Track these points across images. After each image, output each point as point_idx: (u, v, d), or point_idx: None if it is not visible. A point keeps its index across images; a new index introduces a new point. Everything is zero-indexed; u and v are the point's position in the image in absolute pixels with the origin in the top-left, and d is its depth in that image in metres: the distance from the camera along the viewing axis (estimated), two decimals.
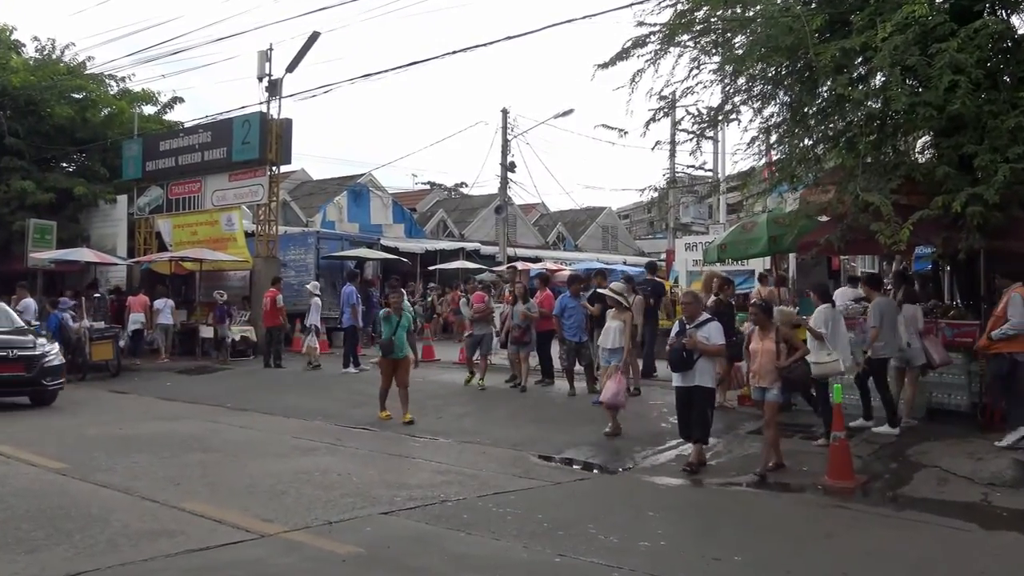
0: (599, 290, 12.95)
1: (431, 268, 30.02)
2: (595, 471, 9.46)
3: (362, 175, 36.51)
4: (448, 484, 8.45)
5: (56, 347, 14.27)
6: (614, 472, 9.36)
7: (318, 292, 19.06)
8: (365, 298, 21.82)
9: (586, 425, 11.25)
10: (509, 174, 31.85)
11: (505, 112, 31.44)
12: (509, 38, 17.24)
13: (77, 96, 26.38)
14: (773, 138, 12.08)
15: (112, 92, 27.59)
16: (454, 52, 19.36)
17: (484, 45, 18.17)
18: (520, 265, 28.93)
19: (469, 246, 33.87)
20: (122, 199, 25.04)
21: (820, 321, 9.84)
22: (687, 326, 9.08)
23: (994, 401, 10.16)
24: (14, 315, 15.20)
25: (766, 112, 11.89)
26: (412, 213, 38.61)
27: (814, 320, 9.95)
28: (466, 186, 56.08)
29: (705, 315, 9.31)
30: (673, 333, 9.22)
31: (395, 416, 12.04)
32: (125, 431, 11.46)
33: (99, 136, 25.72)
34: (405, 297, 13.54)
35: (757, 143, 12.15)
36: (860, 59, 10.28)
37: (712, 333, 8.99)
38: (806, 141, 11.41)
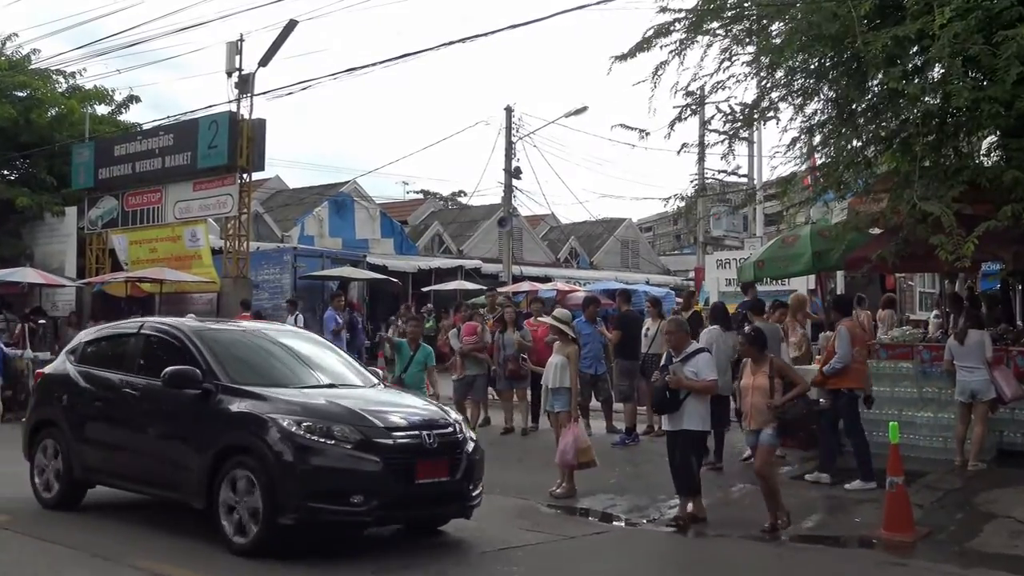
0: (544, 318, 11.99)
1: (425, 289, 30.06)
2: (615, 523, 9.44)
3: (346, 183, 36.60)
4: (443, 538, 8.41)
5: None
6: (636, 524, 9.33)
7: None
8: (349, 325, 21.89)
9: (604, 470, 11.21)
10: (514, 181, 31.91)
11: (509, 110, 31.56)
12: (513, 27, 17.32)
13: (20, 94, 26.50)
14: (817, 139, 12.11)
15: (60, 90, 27.77)
16: (451, 43, 19.46)
17: (485, 35, 18.38)
18: (527, 285, 28.99)
19: (468, 264, 33.92)
20: (71, 211, 25.12)
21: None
22: (673, 359, 9.02)
23: None
24: None
25: (808, 110, 11.93)
26: (403, 226, 38.70)
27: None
28: (465, 195, 56.26)
29: (694, 346, 9.24)
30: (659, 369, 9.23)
31: None
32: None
33: (45, 140, 25.85)
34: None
35: (798, 145, 12.18)
36: (915, 49, 10.32)
37: (701, 367, 8.89)
38: (854, 142, 11.43)
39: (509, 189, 32.02)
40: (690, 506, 9.10)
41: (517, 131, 31.61)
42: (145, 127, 26.35)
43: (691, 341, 9.32)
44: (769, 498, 8.76)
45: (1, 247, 23.96)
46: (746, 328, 10.09)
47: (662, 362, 9.37)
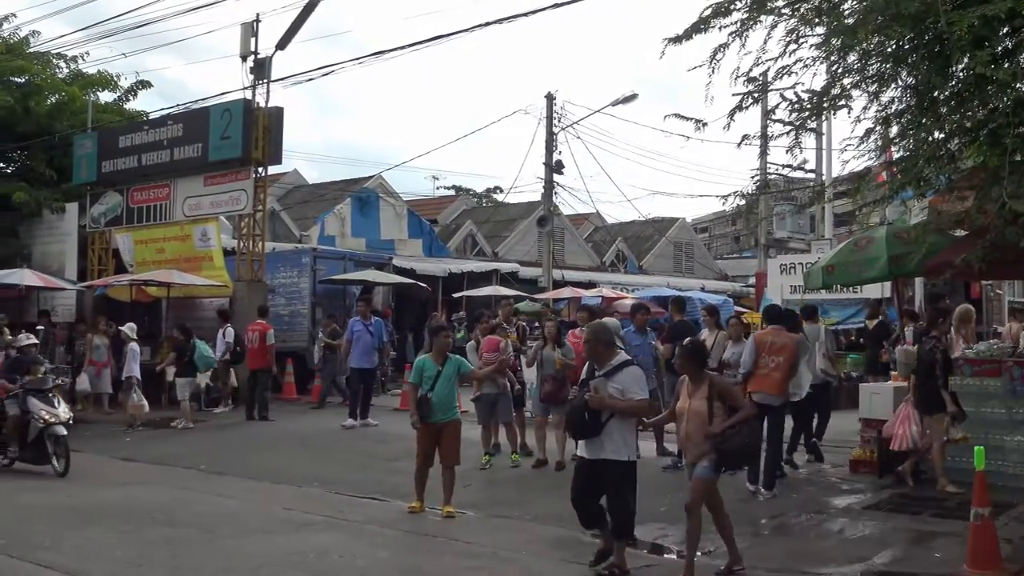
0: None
1: (456, 295, 30.14)
2: (665, 555, 9.42)
3: (370, 178, 36.84)
4: (477, 571, 8.46)
5: None
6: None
7: (135, 336, 19.50)
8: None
9: (653, 496, 11.19)
10: (555, 176, 31.96)
11: (551, 98, 31.61)
12: (556, 5, 17.30)
13: (18, 80, 26.96)
14: (894, 130, 12.00)
15: (61, 75, 28.23)
16: (487, 24, 19.51)
17: (525, 15, 18.33)
18: (569, 292, 28.99)
19: (504, 267, 33.97)
20: (72, 208, 25.47)
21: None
22: (596, 373, 8.41)
23: None
24: None
25: (885, 98, 11.80)
26: (432, 226, 38.84)
27: None
28: (500, 192, 56.70)
29: (620, 358, 8.45)
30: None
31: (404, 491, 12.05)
32: (74, 500, 11.61)
33: (44, 130, 26.24)
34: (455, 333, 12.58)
35: (873, 137, 12.06)
36: (1006, 29, 10.22)
37: (628, 384, 8.21)
38: (936, 134, 11.31)
39: (549, 185, 32.06)
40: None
41: (559, 121, 31.70)
42: (152, 116, 26.62)
43: (617, 352, 8.55)
44: (693, 536, 8.16)
45: None
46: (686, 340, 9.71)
47: (582, 376, 8.70)
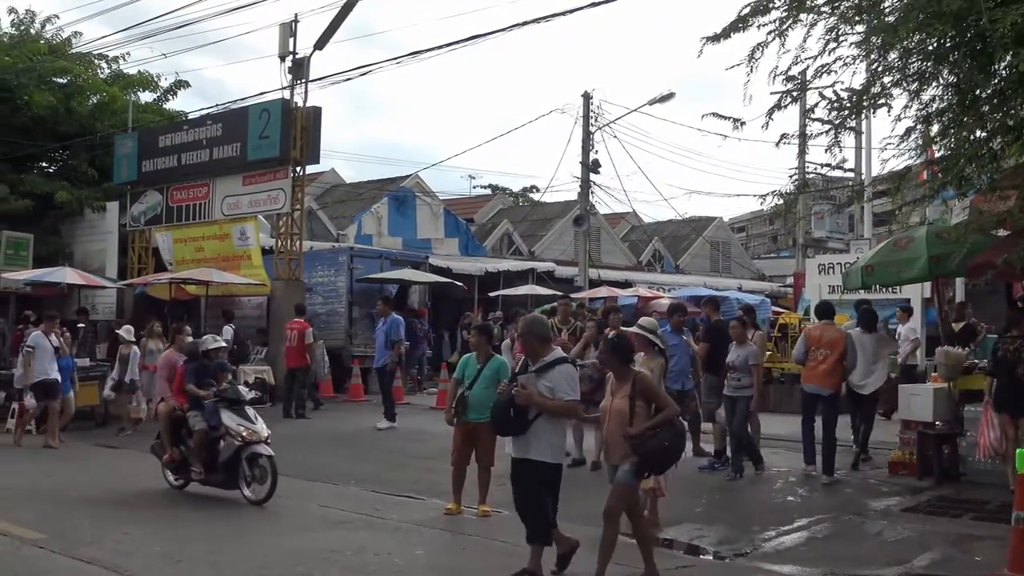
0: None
1: (492, 294, 30.17)
2: (702, 556, 9.39)
3: (407, 177, 36.97)
4: (513, 570, 8.45)
5: None
6: (725, 558, 9.26)
7: (132, 338, 18.15)
8: (410, 332, 22.07)
9: (691, 497, 11.17)
10: (592, 176, 31.93)
11: (587, 97, 31.59)
12: (594, 4, 17.28)
13: (60, 81, 27.28)
14: (935, 129, 11.90)
15: (102, 76, 28.53)
16: (524, 23, 19.50)
17: (562, 14, 18.30)
18: (605, 291, 28.94)
19: (540, 266, 33.97)
20: (112, 207, 25.74)
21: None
22: (529, 368, 8.08)
23: None
24: None
25: (925, 96, 11.70)
26: (469, 225, 38.94)
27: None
28: (537, 191, 56.77)
29: (555, 354, 8.08)
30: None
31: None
32: (114, 495, 11.74)
33: (86, 130, 26.55)
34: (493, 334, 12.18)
35: (913, 136, 11.97)
36: None
37: (558, 382, 7.84)
38: (978, 133, 11.20)
39: (586, 184, 32.03)
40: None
41: (596, 120, 31.67)
42: (192, 116, 26.87)
43: (552, 348, 8.15)
44: (603, 551, 7.80)
45: (38, 245, 24.56)
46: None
47: (516, 369, 8.47)
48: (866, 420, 13.65)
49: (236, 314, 22.85)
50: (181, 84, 28.84)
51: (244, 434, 11.17)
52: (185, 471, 11.83)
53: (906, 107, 11.94)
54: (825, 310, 13.70)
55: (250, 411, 11.63)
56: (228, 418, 11.35)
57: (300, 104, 22.33)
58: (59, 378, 16.04)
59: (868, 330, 13.60)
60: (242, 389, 12.24)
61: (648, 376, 8.22)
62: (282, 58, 22.44)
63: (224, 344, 13.39)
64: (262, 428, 11.43)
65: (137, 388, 17.77)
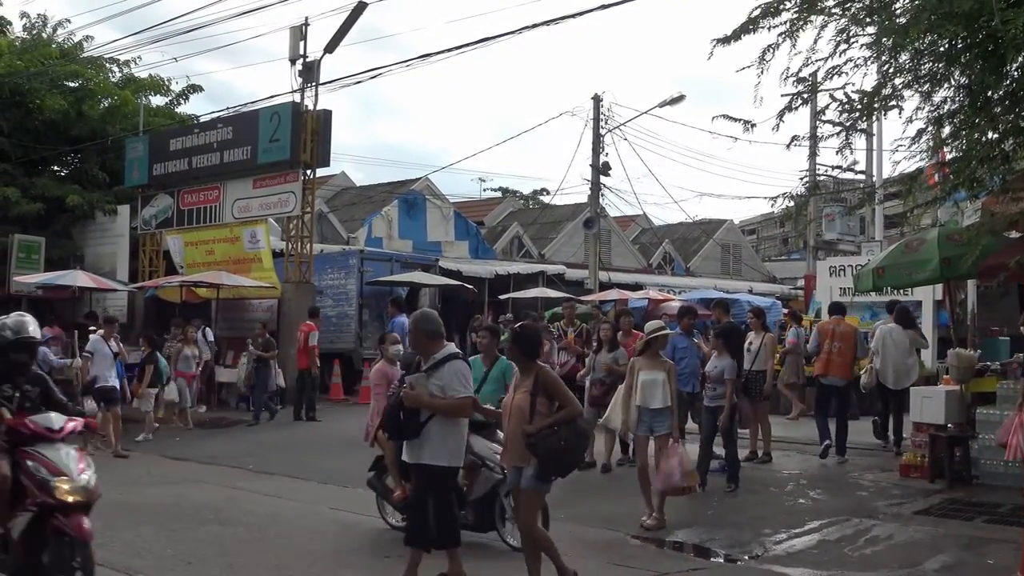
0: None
1: (502, 297, 30.19)
2: (712, 559, 9.37)
3: (417, 180, 37.07)
4: (522, 572, 8.44)
5: None
6: (736, 560, 9.25)
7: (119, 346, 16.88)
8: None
9: (701, 499, 11.17)
10: (602, 178, 31.91)
11: (597, 99, 31.58)
12: (604, 7, 17.30)
13: (72, 84, 27.42)
14: (946, 131, 11.87)
15: (113, 79, 28.65)
16: (534, 26, 19.51)
17: (572, 16, 18.30)
18: (616, 293, 28.92)
19: (551, 269, 33.97)
20: (123, 210, 25.85)
21: None
22: (422, 368, 7.57)
23: None
24: None
25: (937, 97, 11.68)
26: (479, 228, 38.97)
27: None
28: (547, 194, 56.74)
29: (447, 351, 7.53)
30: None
31: None
32: (125, 497, 11.75)
33: (97, 133, 26.65)
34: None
35: (925, 137, 11.95)
36: None
37: (449, 380, 7.33)
38: (990, 134, 11.18)
39: (596, 187, 32.02)
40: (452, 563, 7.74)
41: (606, 123, 31.63)
42: (202, 119, 26.94)
43: (444, 344, 7.59)
44: (531, 558, 7.46)
45: (50, 248, 24.64)
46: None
47: (411, 370, 7.95)
48: (897, 414, 14.31)
49: (244, 316, 22.93)
50: (193, 88, 28.96)
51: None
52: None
53: (917, 109, 11.93)
54: (836, 307, 15.08)
55: (498, 433, 9.41)
56: (481, 445, 9.09)
57: (310, 107, 22.39)
58: (117, 385, 15.92)
59: (905, 327, 14.43)
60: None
61: (551, 371, 7.78)
62: (292, 61, 22.50)
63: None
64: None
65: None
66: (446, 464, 7.39)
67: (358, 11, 21.48)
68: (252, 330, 20.79)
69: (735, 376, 12.02)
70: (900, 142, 11.71)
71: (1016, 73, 10.64)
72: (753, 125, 12.24)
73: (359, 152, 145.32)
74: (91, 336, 16.72)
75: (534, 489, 7.37)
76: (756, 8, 11.53)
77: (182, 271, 24.64)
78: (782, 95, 12.28)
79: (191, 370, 19.57)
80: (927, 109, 11.81)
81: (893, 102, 12.01)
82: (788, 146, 12.25)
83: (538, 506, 7.54)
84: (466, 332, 27.57)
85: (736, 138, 20.38)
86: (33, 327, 7.27)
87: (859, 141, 27.08)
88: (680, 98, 30.59)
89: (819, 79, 12.16)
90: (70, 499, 6.55)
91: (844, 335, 13.93)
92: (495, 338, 11.29)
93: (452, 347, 7.60)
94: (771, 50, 11.64)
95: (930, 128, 11.87)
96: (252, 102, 24.99)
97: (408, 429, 7.34)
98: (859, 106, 12.54)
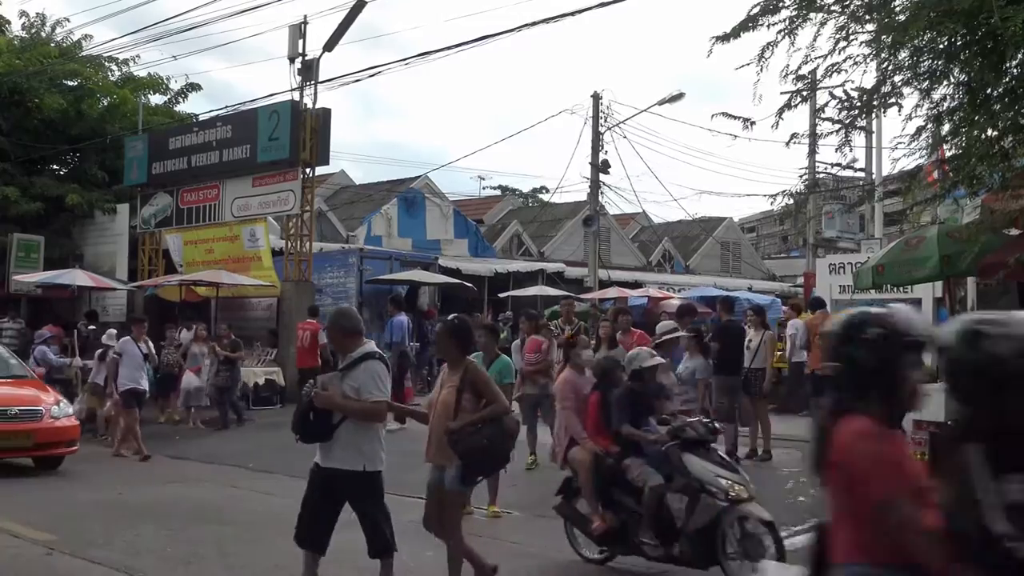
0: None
1: (502, 295, 30.18)
2: None
3: (416, 179, 37.02)
4: (524, 570, 8.45)
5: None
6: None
7: (115, 342, 16.94)
8: (420, 334, 22.06)
9: None
10: (601, 176, 31.88)
11: (597, 97, 31.55)
12: (602, 5, 17.28)
13: (71, 83, 27.42)
14: (945, 128, 11.87)
15: (112, 78, 28.63)
16: (533, 24, 19.50)
17: (571, 14, 18.27)
18: (615, 291, 28.92)
19: (550, 267, 33.97)
20: (123, 209, 25.82)
21: None
22: (340, 367, 7.16)
23: None
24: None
25: (936, 95, 11.68)
26: (478, 226, 38.95)
27: None
28: (546, 192, 56.75)
29: (365, 348, 7.04)
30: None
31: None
32: (125, 496, 11.78)
33: (96, 132, 26.64)
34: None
35: (924, 135, 11.95)
36: None
37: (364, 381, 6.84)
38: (989, 131, 11.18)
39: (596, 185, 31.98)
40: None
41: (605, 121, 31.59)
42: (201, 118, 26.92)
43: (363, 341, 7.11)
44: (453, 563, 7.27)
45: (49, 248, 24.65)
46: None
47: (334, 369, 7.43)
48: None
49: (244, 315, 22.93)
50: (192, 87, 28.95)
51: (730, 490, 7.84)
52: (622, 541, 8.48)
53: (917, 106, 11.94)
54: (817, 302, 16.70)
55: (721, 452, 8.59)
56: (699, 467, 7.97)
57: (309, 106, 22.35)
58: (147, 388, 15.86)
59: None
60: (696, 423, 8.54)
61: (479, 367, 7.47)
62: (291, 60, 22.44)
63: (660, 361, 9.37)
64: (746, 479, 8.16)
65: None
66: (361, 469, 6.90)
67: (357, 9, 21.44)
68: (254, 328, 20.77)
69: (707, 376, 11.80)
70: (899, 139, 11.70)
71: (1015, 70, 10.63)
72: (752, 123, 12.24)
73: (358, 151, 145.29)
74: (104, 334, 16.68)
75: (456, 490, 7.11)
76: (755, 5, 11.53)
77: (181, 270, 24.62)
78: (781, 93, 12.28)
79: (197, 364, 19.31)
80: (926, 106, 11.80)
81: (892, 99, 12.02)
82: (788, 144, 12.24)
83: (461, 508, 7.30)
84: None
85: (736, 136, 20.34)
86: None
87: (858, 138, 27.14)
88: (679, 96, 30.56)
89: (818, 76, 12.17)
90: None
91: None
92: (494, 336, 11.28)
93: (371, 345, 7.14)
94: (770, 47, 11.64)
95: (929, 125, 11.87)
96: (251, 101, 25.05)
97: (318, 432, 6.92)
98: (858, 103, 12.55)
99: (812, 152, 25.61)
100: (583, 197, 34.99)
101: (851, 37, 11.61)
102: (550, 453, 9.95)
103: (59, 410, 13.93)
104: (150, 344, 16.37)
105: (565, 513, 8.94)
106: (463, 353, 7.22)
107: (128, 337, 15.89)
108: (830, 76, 12.02)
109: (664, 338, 10.52)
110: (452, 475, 6.99)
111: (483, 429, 6.89)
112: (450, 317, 7.73)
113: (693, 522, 7.83)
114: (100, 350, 17.27)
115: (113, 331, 18.28)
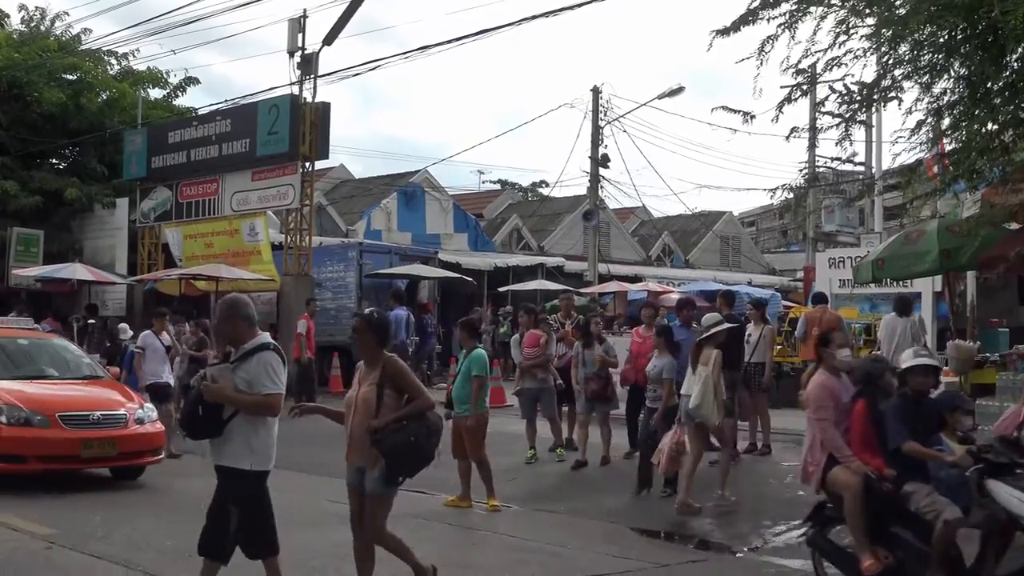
0: None
1: (502, 289, 30.17)
2: (711, 550, 9.37)
3: (416, 173, 37.01)
4: (523, 564, 8.47)
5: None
6: (736, 552, 9.26)
7: (127, 336, 17.19)
8: (419, 327, 22.04)
9: (700, 492, 11.14)
10: (601, 170, 31.86)
11: (596, 91, 31.50)
12: None
13: (70, 77, 27.44)
14: (946, 122, 11.85)
15: (112, 72, 28.62)
16: (532, 17, 19.48)
17: (571, 8, 18.24)
18: (615, 286, 28.91)
19: (550, 261, 33.96)
20: (122, 203, 25.84)
21: None
22: (230, 360, 6.62)
23: None
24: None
25: (936, 89, 11.65)
26: (478, 220, 38.95)
27: None
28: (546, 186, 56.64)
29: (259, 340, 6.56)
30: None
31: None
32: (123, 490, 11.78)
33: (95, 126, 26.66)
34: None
35: (924, 129, 11.93)
36: None
37: (256, 373, 6.39)
38: (989, 126, 11.16)
39: (595, 179, 31.96)
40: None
41: (605, 115, 31.54)
42: (201, 112, 26.99)
43: (259, 333, 6.64)
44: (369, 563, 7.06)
45: (49, 242, 24.67)
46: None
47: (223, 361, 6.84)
48: None
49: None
50: (191, 81, 29.02)
51: None
52: None
53: (917, 100, 11.91)
54: (819, 297, 16.05)
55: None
56: (1005, 494, 6.50)
57: (309, 99, 22.34)
58: (171, 381, 15.07)
59: (902, 314, 14.32)
60: (996, 442, 7.07)
61: (400, 361, 7.06)
62: (291, 54, 22.41)
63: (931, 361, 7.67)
64: None
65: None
66: (247, 467, 6.46)
67: (356, 3, 21.36)
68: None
69: (674, 376, 11.62)
70: (899, 133, 11.68)
71: (1016, 64, 10.61)
72: (752, 116, 12.23)
73: (358, 145, 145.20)
74: (118, 326, 16.39)
75: (381, 493, 6.84)
76: None
77: (181, 264, 24.61)
78: (781, 86, 12.25)
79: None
80: (927, 100, 11.77)
81: (892, 93, 12.00)
82: (787, 138, 12.22)
83: (387, 511, 6.95)
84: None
85: (735, 130, 20.32)
86: None
87: (858, 132, 26.92)
88: (679, 90, 30.52)
89: (818, 70, 12.15)
90: None
91: (830, 322, 13.87)
92: (467, 331, 11.39)
93: (265, 337, 6.64)
94: (770, 41, 11.62)
95: (929, 119, 11.85)
96: (251, 94, 25.06)
97: (208, 427, 6.44)
98: (858, 97, 12.51)
99: (812, 146, 25.50)
100: (583, 191, 35.01)
101: (851, 31, 11.58)
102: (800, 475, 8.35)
103: (143, 413, 12.62)
104: (172, 335, 15.87)
105: (818, 545, 7.71)
106: (381, 347, 6.96)
107: (149, 331, 15.40)
108: (830, 70, 12.01)
109: (712, 331, 10.43)
110: (375, 477, 6.75)
111: (408, 426, 6.66)
112: (367, 311, 7.53)
113: (1003, 567, 6.67)
114: (127, 352, 16.45)
115: (125, 325, 18.12)
